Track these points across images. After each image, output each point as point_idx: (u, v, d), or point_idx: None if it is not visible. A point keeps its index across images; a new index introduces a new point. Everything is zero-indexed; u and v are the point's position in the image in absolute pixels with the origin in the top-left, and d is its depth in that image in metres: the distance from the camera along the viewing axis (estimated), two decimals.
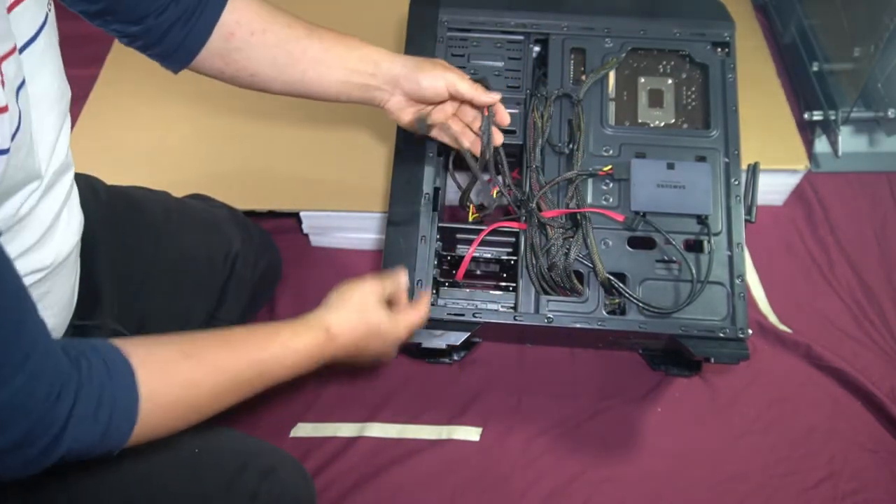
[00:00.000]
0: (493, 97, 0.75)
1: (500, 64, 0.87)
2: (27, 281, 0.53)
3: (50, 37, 0.53)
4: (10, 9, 0.47)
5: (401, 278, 0.72)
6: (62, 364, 0.44)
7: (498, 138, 0.77)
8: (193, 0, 0.63)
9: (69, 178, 0.60)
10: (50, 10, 0.53)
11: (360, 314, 0.65)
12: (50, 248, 0.57)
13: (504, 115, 0.77)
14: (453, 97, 0.75)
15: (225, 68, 0.68)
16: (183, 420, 0.53)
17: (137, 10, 0.61)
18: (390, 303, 0.70)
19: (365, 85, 0.72)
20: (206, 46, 0.65)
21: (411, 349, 0.93)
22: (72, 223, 0.61)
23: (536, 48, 0.90)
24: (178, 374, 0.51)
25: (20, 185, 0.50)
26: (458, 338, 0.76)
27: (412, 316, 0.70)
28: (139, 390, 0.47)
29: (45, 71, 0.53)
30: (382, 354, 0.70)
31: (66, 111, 0.58)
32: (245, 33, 0.66)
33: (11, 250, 0.51)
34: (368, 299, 0.66)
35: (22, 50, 0.49)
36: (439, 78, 0.72)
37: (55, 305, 0.61)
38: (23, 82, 0.48)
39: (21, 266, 0.52)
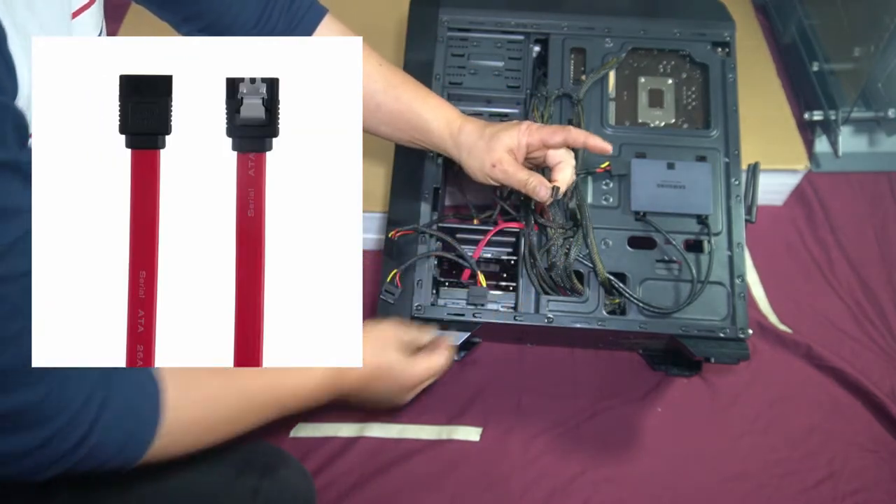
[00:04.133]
0: (597, 141, 0.71)
1: (500, 64, 0.87)
2: None
3: None
4: (74, 15, 0.48)
5: (427, 331, 0.71)
6: (91, 369, 0.44)
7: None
8: (295, 9, 0.65)
9: None
10: (103, 22, 0.54)
11: (372, 354, 0.64)
12: None
13: (601, 144, 0.72)
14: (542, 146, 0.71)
15: None
16: (198, 440, 0.52)
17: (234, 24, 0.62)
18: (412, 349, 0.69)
19: (436, 148, 0.74)
20: None
21: None
22: None
23: (536, 48, 0.90)
24: (202, 390, 0.51)
25: None
26: (458, 338, 0.76)
27: (430, 361, 0.69)
28: (164, 404, 0.47)
29: None
30: (395, 398, 0.69)
31: None
32: None
33: None
34: (385, 340, 0.65)
35: None
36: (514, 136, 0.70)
37: None
38: None
39: None
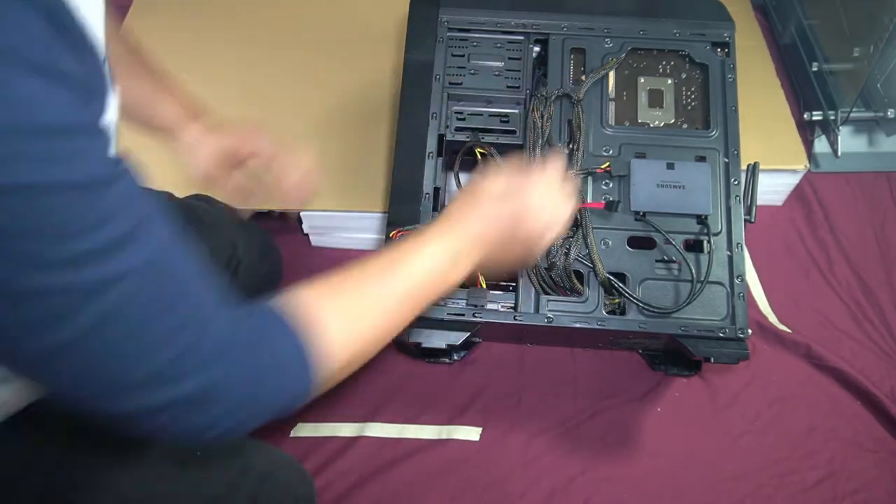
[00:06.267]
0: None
1: (500, 64, 0.88)
2: None
3: None
4: None
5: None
6: (264, 308, 0.46)
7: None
8: None
9: None
10: None
11: (481, 188, 0.58)
12: None
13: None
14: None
15: None
16: (358, 357, 0.52)
17: None
18: None
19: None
20: None
21: (411, 349, 0.93)
22: None
23: (536, 48, 0.90)
24: (351, 323, 0.50)
25: None
26: (458, 338, 0.76)
27: (543, 174, 0.60)
28: (317, 353, 0.47)
29: None
30: (549, 218, 0.60)
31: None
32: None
33: None
34: (492, 176, 0.59)
35: None
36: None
37: None
38: None
39: None
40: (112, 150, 0.38)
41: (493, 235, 0.58)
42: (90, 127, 0.35)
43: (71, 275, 0.34)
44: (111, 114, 0.41)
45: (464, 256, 0.56)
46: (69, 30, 0.35)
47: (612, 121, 0.84)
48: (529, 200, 0.59)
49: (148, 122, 0.73)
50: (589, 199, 0.80)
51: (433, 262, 0.55)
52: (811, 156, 1.15)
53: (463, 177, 0.86)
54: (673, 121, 0.86)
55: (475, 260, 0.57)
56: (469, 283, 0.80)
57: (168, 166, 1.06)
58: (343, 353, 0.49)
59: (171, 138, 0.74)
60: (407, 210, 0.81)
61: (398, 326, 0.54)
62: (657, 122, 0.85)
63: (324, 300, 0.49)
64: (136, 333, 0.38)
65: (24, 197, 0.32)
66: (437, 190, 0.82)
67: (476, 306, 0.78)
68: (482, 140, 0.84)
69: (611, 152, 0.82)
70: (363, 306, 0.51)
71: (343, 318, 0.49)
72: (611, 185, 0.81)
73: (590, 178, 0.81)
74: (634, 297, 0.76)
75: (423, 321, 0.77)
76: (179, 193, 0.91)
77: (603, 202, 0.75)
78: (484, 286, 0.78)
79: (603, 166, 0.80)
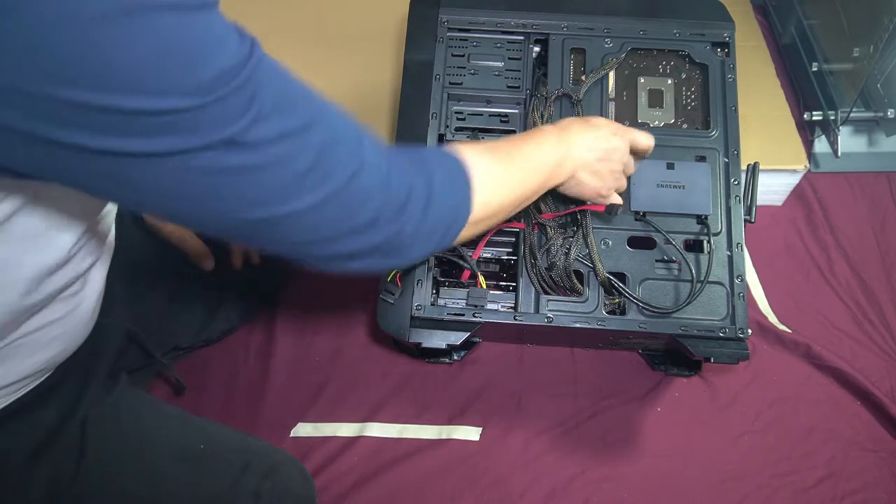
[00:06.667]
0: None
1: (500, 64, 0.88)
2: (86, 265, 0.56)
3: None
4: None
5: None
6: (431, 151, 0.57)
7: None
8: None
9: None
10: None
11: (598, 119, 0.70)
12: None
13: None
14: None
15: None
16: (499, 212, 0.61)
17: None
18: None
19: None
20: None
21: (411, 349, 0.93)
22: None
23: (536, 48, 0.90)
24: (497, 171, 0.60)
25: None
26: (458, 338, 0.76)
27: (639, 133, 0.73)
28: (474, 189, 0.57)
29: None
30: (625, 166, 0.73)
31: None
32: None
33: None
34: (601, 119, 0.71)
35: None
36: None
37: (94, 294, 0.61)
38: None
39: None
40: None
41: (589, 160, 0.68)
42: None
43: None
44: None
45: (565, 167, 0.67)
46: None
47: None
48: (622, 145, 0.70)
49: None
50: (578, 207, 0.80)
51: (546, 157, 0.65)
52: (811, 156, 1.15)
53: None
54: (673, 121, 0.86)
55: (570, 173, 0.68)
56: (470, 283, 0.80)
57: None
58: (490, 199, 0.59)
59: None
60: None
61: (519, 199, 0.64)
62: (657, 122, 0.85)
63: (479, 155, 0.59)
64: (343, 197, 0.46)
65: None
66: None
67: (476, 306, 0.78)
68: (482, 140, 0.84)
69: None
70: (506, 171, 0.61)
71: (492, 173, 0.59)
72: None
73: None
74: (634, 297, 0.76)
75: (423, 321, 0.77)
76: None
77: (603, 206, 0.75)
78: (484, 286, 0.78)
79: None
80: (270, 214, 0.44)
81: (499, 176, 0.60)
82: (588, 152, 0.67)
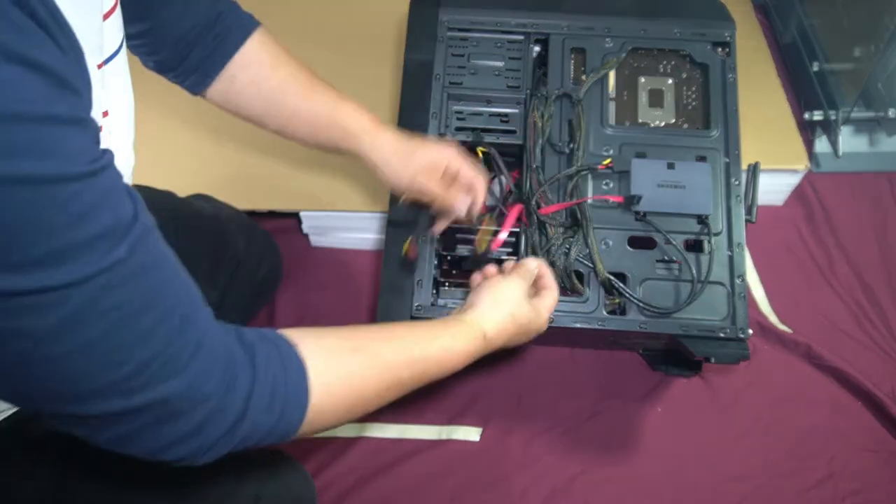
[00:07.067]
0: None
1: (500, 64, 0.87)
2: None
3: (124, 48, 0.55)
4: (105, 16, 0.47)
5: (530, 265, 0.70)
6: (236, 353, 0.43)
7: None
8: (218, 29, 0.65)
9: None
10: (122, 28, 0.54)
11: (513, 316, 0.63)
12: None
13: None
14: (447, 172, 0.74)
15: (225, 105, 0.70)
16: (349, 414, 0.51)
17: (174, 32, 0.62)
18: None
19: (351, 151, 0.74)
20: (213, 84, 0.67)
21: None
22: None
23: (536, 48, 0.90)
24: (347, 367, 0.50)
25: None
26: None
27: (549, 300, 0.69)
28: (310, 383, 0.46)
29: (125, 82, 0.55)
30: (523, 342, 0.69)
31: (133, 122, 0.59)
32: (244, 81, 0.67)
33: None
34: (518, 298, 0.65)
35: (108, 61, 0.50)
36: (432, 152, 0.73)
37: None
38: None
39: None
40: (95, 147, 0.36)
41: (503, 343, 0.63)
42: (65, 119, 0.34)
43: (41, 277, 0.33)
44: (97, 110, 0.40)
45: (474, 356, 0.61)
46: (46, 22, 0.34)
47: (612, 121, 0.84)
48: (541, 320, 0.66)
49: (337, 140, 0.72)
50: (589, 197, 0.80)
51: (446, 356, 0.58)
52: (812, 156, 1.15)
53: None
54: (673, 121, 0.85)
55: (479, 355, 0.62)
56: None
57: (170, 167, 1.06)
58: (328, 402, 0.49)
59: (361, 148, 0.72)
60: (407, 210, 0.81)
61: (381, 402, 0.54)
62: (657, 122, 0.85)
63: (315, 340, 0.49)
64: (113, 333, 0.37)
65: None
66: None
67: None
68: (483, 140, 0.84)
69: (611, 152, 0.82)
70: (362, 373, 0.51)
71: (336, 371, 0.49)
72: (611, 184, 0.81)
73: (590, 177, 0.81)
74: (635, 297, 0.76)
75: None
76: (181, 193, 0.91)
77: (622, 196, 0.75)
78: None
79: (605, 162, 0.80)
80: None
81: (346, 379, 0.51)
82: (501, 340, 0.64)
